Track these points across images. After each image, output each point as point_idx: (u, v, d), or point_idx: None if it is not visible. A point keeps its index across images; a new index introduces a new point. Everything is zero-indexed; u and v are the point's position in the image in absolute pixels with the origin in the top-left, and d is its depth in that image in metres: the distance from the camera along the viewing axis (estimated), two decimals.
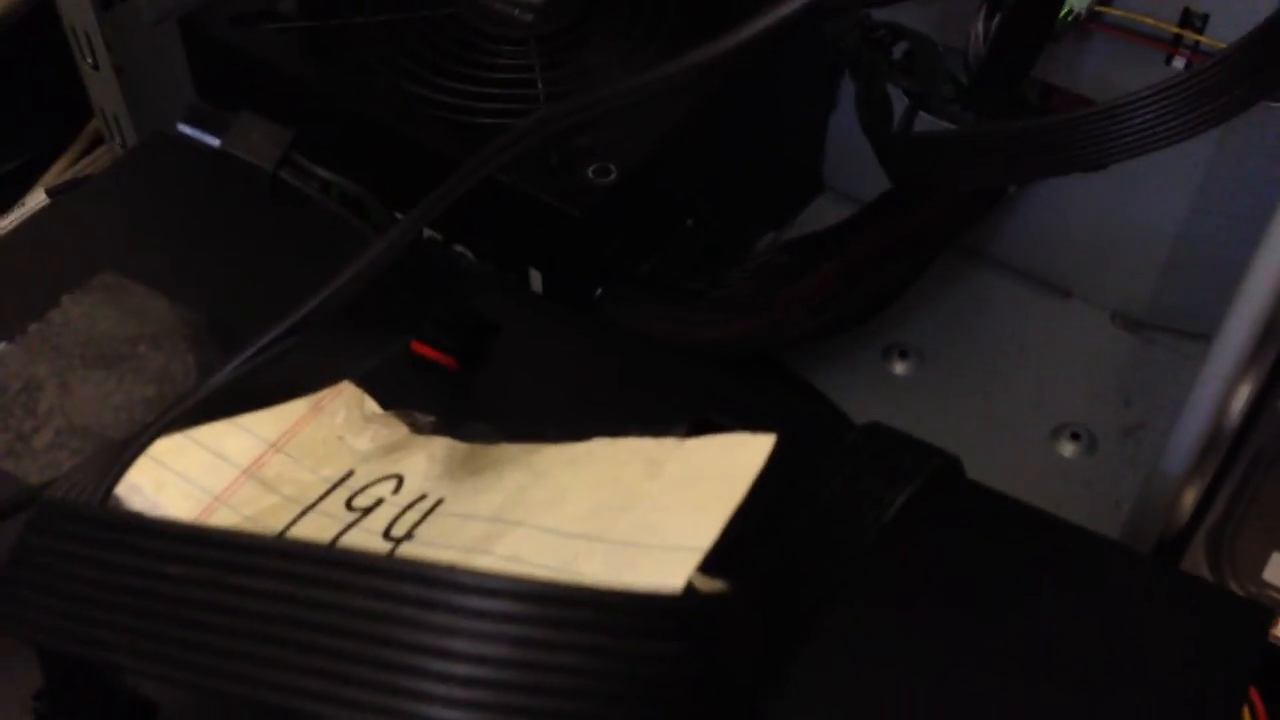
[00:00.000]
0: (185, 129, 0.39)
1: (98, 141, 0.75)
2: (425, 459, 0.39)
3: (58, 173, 0.75)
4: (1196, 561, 0.49)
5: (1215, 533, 0.50)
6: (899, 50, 0.54)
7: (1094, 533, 0.40)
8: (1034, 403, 0.66)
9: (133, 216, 0.49)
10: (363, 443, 0.41)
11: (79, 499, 0.29)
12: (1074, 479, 0.63)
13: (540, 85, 0.60)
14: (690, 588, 0.28)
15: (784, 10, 0.29)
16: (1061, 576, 0.38)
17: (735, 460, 0.32)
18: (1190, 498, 0.50)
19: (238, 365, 0.32)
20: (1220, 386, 0.43)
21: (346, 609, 0.22)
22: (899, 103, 0.56)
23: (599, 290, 0.60)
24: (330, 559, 0.23)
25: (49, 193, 0.66)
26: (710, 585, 0.29)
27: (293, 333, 0.32)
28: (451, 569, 0.22)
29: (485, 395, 0.43)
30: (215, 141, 0.39)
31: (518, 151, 0.34)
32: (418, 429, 0.41)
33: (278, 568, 0.23)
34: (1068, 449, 0.64)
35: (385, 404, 0.42)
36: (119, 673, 0.33)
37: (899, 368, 0.67)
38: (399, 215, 0.57)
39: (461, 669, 0.21)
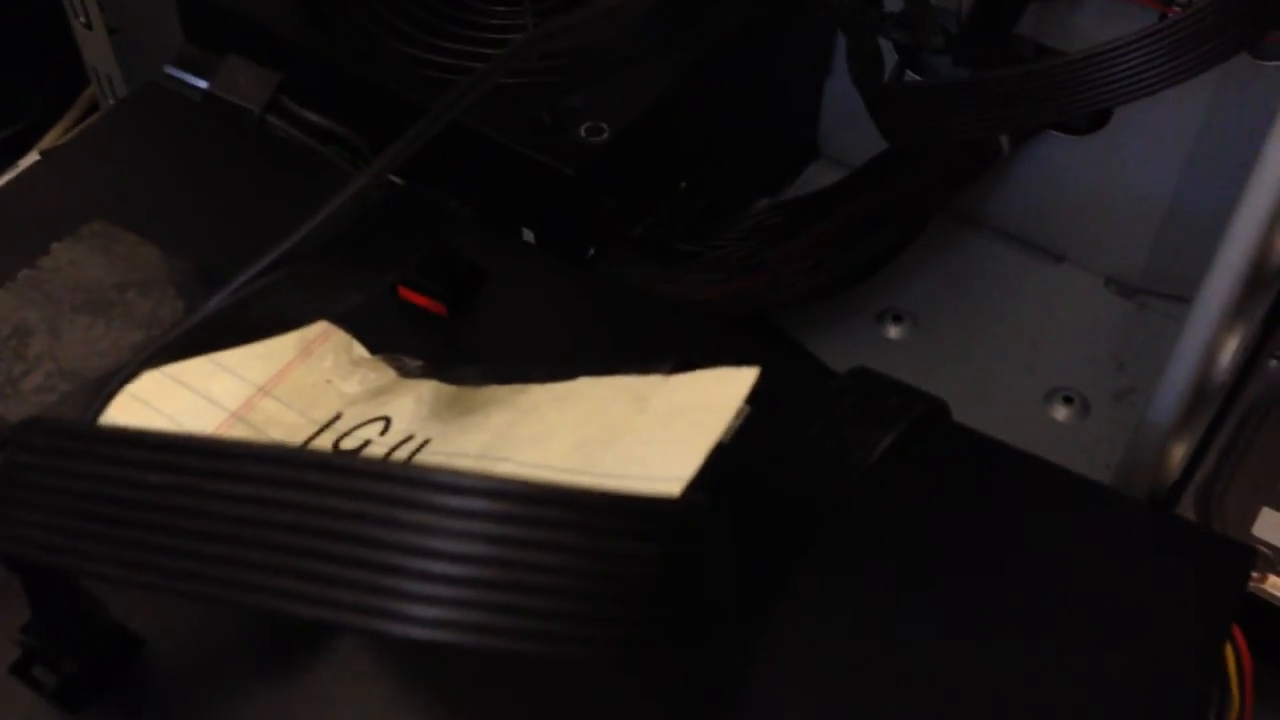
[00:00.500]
0: (173, 71, 0.40)
1: (94, 108, 0.75)
2: (413, 401, 0.39)
3: (54, 139, 0.76)
4: (1186, 515, 0.50)
5: (1205, 488, 0.51)
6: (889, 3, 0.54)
7: (1078, 474, 0.40)
8: (1027, 367, 0.66)
9: (122, 166, 0.49)
10: (351, 386, 0.41)
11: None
12: (1066, 442, 0.63)
13: None
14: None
15: None
16: (1045, 516, 0.38)
17: (719, 392, 0.33)
18: (1180, 453, 0.50)
19: (217, 302, 0.32)
20: (1206, 335, 0.43)
21: (324, 510, 0.22)
22: (890, 57, 0.56)
23: (591, 251, 0.60)
24: (309, 461, 0.23)
25: (43, 154, 0.66)
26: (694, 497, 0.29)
27: (276, 266, 0.32)
28: (428, 468, 0.22)
29: (474, 341, 0.43)
30: (203, 84, 0.39)
31: (496, 80, 0.34)
32: (405, 373, 0.41)
33: (256, 472, 0.23)
34: (1060, 412, 0.64)
35: (374, 349, 0.42)
36: (104, 608, 0.33)
37: (892, 332, 0.67)
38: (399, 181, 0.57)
39: (439, 567, 0.22)
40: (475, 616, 0.21)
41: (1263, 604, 0.46)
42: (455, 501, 0.22)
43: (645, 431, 0.33)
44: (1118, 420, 0.64)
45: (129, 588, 0.24)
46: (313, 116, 0.40)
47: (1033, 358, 0.66)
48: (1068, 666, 0.35)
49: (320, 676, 0.34)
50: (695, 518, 0.24)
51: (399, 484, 0.22)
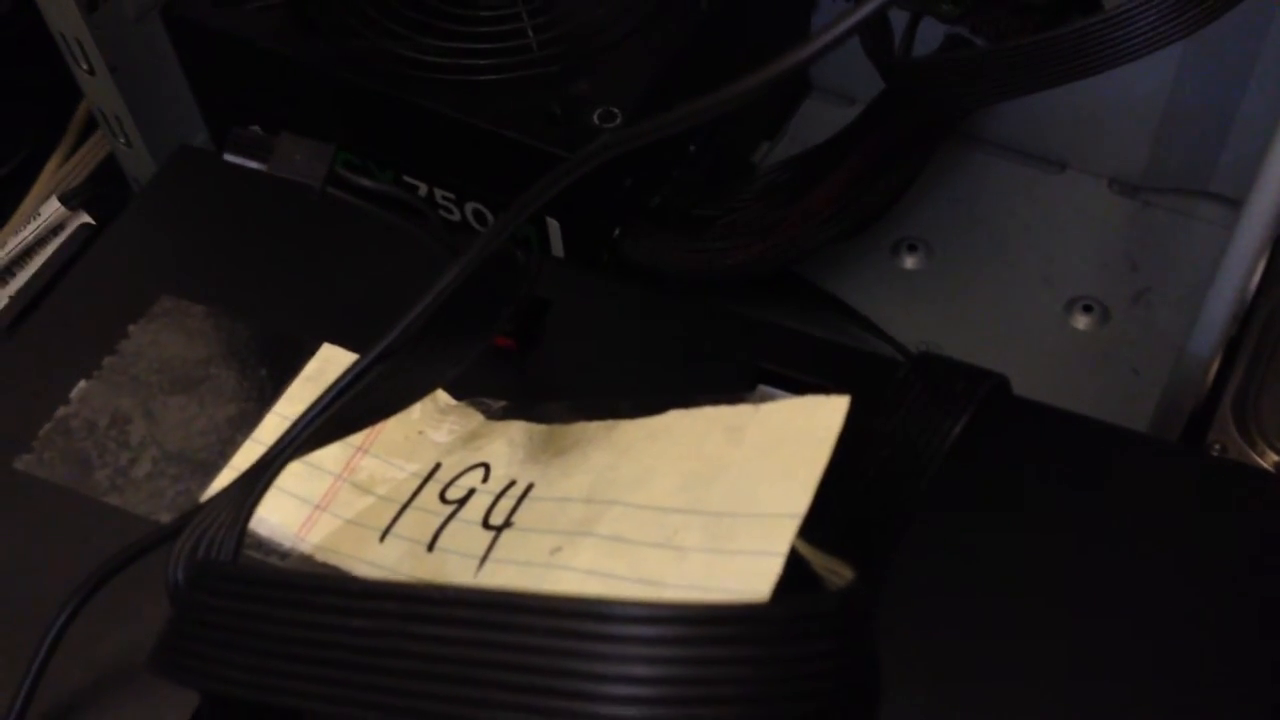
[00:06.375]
0: (230, 158, 0.41)
1: (90, 128, 0.75)
2: (506, 445, 0.41)
3: (54, 167, 0.76)
4: (1225, 427, 0.52)
5: (1240, 398, 0.53)
6: None
7: (1141, 433, 0.42)
8: (1043, 278, 0.68)
9: (177, 236, 0.50)
10: (441, 435, 0.43)
11: (221, 548, 0.31)
12: (1091, 350, 0.65)
13: (531, 34, 0.61)
14: (827, 587, 0.30)
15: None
16: (1117, 481, 0.40)
17: (814, 422, 0.34)
18: (1214, 366, 0.52)
19: (341, 389, 0.34)
20: (1246, 265, 0.44)
21: (528, 648, 0.24)
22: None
23: (616, 231, 0.61)
24: (502, 603, 0.25)
25: (61, 199, 0.67)
26: (836, 568, 0.32)
27: (385, 355, 0.34)
28: (614, 601, 0.24)
29: (550, 371, 0.45)
30: (260, 167, 0.40)
31: (583, 172, 0.35)
32: (491, 415, 0.43)
33: (451, 615, 0.25)
34: (1081, 322, 0.66)
35: (453, 393, 0.44)
36: None
37: (909, 262, 0.69)
38: (416, 183, 0.58)
39: (638, 691, 0.24)
40: None
41: None
42: (645, 631, 0.24)
43: (746, 466, 0.35)
44: (1137, 321, 0.66)
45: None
46: (368, 183, 0.41)
47: (1048, 269, 0.68)
48: (1162, 622, 0.38)
49: None
50: (858, 602, 0.26)
51: (591, 619, 0.24)
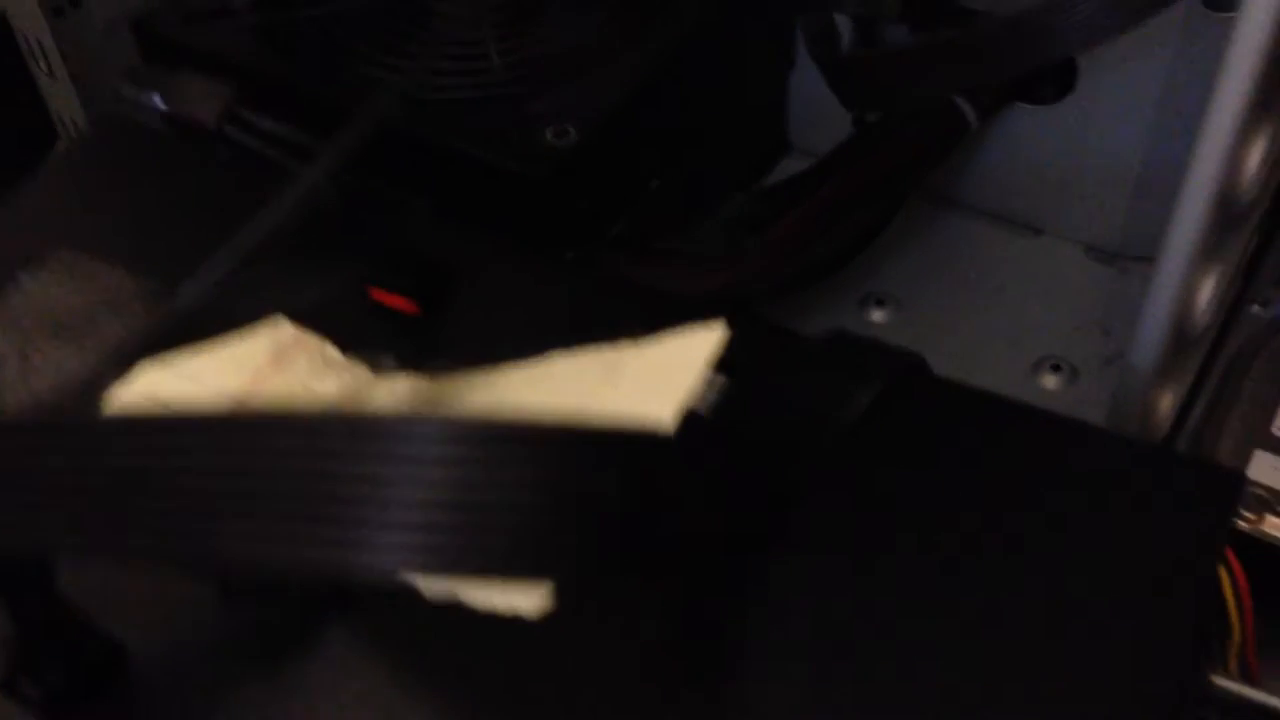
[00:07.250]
0: (127, 90, 0.40)
1: None
2: (389, 396, 0.39)
3: None
4: None
5: (1196, 437, 0.51)
6: None
7: (1058, 414, 0.40)
8: (1012, 340, 0.66)
9: (86, 194, 0.49)
10: (326, 388, 0.41)
11: None
12: (1057, 409, 0.62)
13: (495, 58, 0.61)
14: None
15: None
16: (1029, 458, 0.38)
17: (689, 351, 0.32)
18: (1169, 403, 0.50)
19: (165, 318, 0.32)
20: (1178, 273, 0.43)
21: (280, 470, 0.22)
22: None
23: (570, 255, 0.60)
24: (255, 423, 0.23)
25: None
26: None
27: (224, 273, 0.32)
28: (380, 418, 0.22)
29: (451, 338, 0.43)
30: (158, 100, 0.39)
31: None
32: (380, 371, 0.41)
33: (198, 441, 0.23)
34: (1049, 381, 0.64)
35: (347, 351, 0.42)
36: (85, 617, 0.33)
37: (876, 316, 0.67)
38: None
39: (400, 515, 0.21)
40: (439, 551, 0.21)
41: (1262, 545, 0.46)
42: (409, 449, 0.21)
43: (620, 399, 0.33)
44: (1107, 385, 0.63)
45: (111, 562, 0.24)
46: (270, 125, 0.40)
47: (1018, 330, 0.66)
48: (1060, 606, 0.35)
49: (308, 677, 0.34)
50: (654, 450, 0.24)
51: (351, 436, 0.22)
